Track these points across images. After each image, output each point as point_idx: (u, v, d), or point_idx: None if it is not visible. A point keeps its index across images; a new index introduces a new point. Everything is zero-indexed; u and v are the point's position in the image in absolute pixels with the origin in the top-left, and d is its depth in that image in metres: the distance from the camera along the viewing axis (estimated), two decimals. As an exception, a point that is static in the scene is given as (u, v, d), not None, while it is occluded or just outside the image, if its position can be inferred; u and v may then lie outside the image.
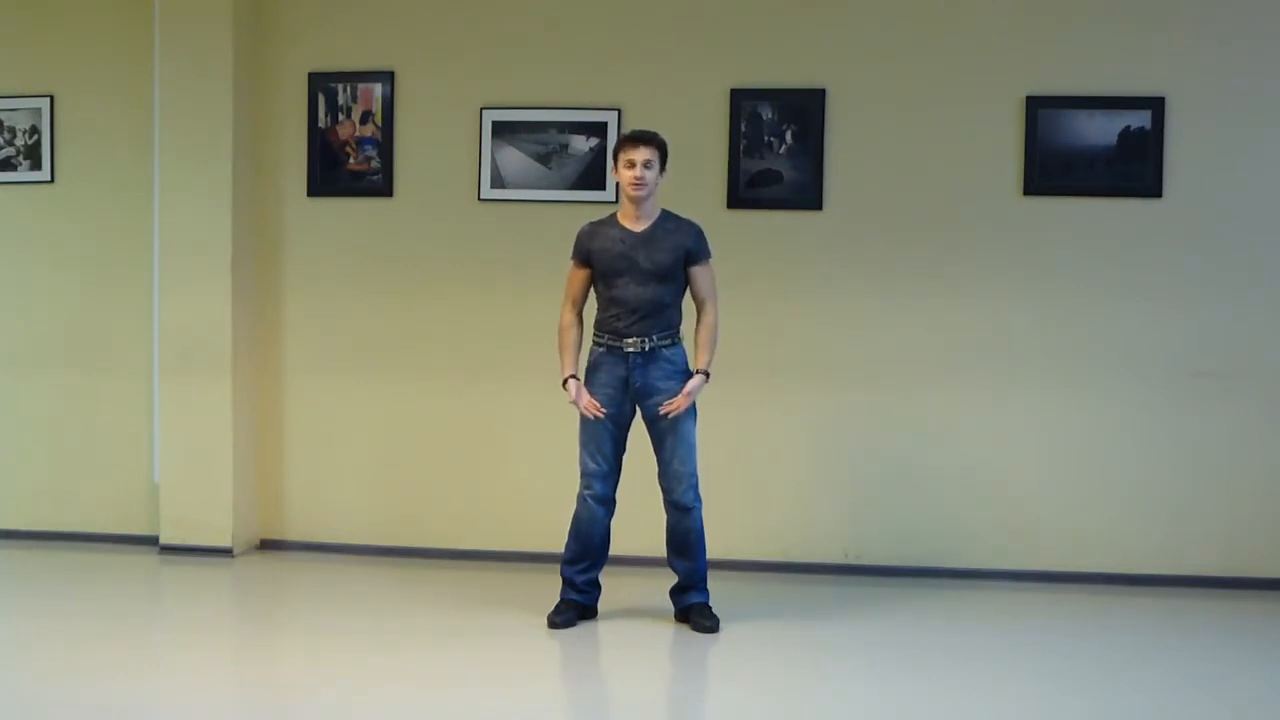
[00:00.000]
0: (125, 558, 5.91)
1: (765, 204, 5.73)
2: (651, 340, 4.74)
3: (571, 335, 4.85)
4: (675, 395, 4.72)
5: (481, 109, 5.85)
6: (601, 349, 4.80)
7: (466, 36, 5.87)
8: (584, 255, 4.82)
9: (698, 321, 4.82)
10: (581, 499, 4.83)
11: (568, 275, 4.87)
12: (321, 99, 5.94)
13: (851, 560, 5.74)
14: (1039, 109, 5.56)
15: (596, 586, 4.95)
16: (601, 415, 4.73)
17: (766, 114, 5.71)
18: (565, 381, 4.80)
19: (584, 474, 4.82)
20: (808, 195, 5.71)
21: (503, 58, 5.85)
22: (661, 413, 4.71)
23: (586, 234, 4.84)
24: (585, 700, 4.37)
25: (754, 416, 5.73)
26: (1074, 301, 5.61)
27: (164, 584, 5.70)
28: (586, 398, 4.75)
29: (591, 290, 4.88)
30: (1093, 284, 5.60)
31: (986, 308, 5.65)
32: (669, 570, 4.92)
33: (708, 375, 4.76)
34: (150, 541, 6.03)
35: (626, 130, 5.24)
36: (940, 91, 5.63)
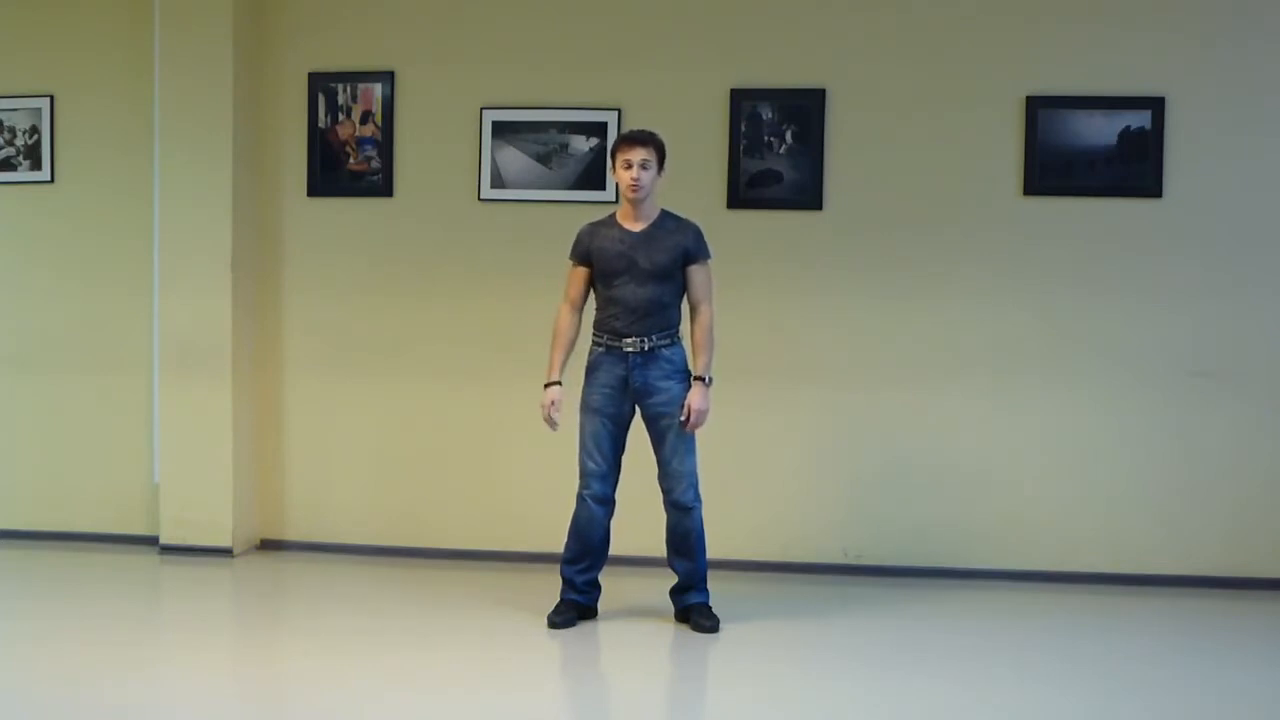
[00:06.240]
0: (125, 558, 5.91)
1: (765, 204, 5.73)
2: (651, 340, 4.74)
3: (566, 336, 4.83)
4: (675, 394, 4.72)
5: (481, 109, 5.85)
6: (600, 349, 4.80)
7: (466, 36, 5.88)
8: (583, 254, 4.82)
9: (693, 323, 4.80)
10: (581, 499, 4.83)
11: (567, 275, 4.87)
12: (321, 99, 5.94)
13: (851, 560, 5.74)
14: (1039, 109, 5.56)
15: (596, 586, 4.94)
16: (554, 428, 4.79)
17: (766, 114, 5.71)
18: (548, 385, 4.80)
19: (583, 474, 4.82)
20: (808, 195, 5.71)
21: (503, 58, 5.85)
22: (688, 431, 4.71)
23: (586, 233, 4.85)
24: (585, 700, 4.37)
25: (754, 416, 5.73)
26: (1074, 301, 5.61)
27: (164, 584, 5.70)
28: (553, 410, 4.76)
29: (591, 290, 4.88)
30: (1093, 284, 5.60)
31: (986, 308, 5.65)
32: (669, 570, 4.92)
33: (709, 380, 4.76)
34: (150, 541, 6.03)
35: (624, 130, 5.23)
36: (940, 91, 5.63)
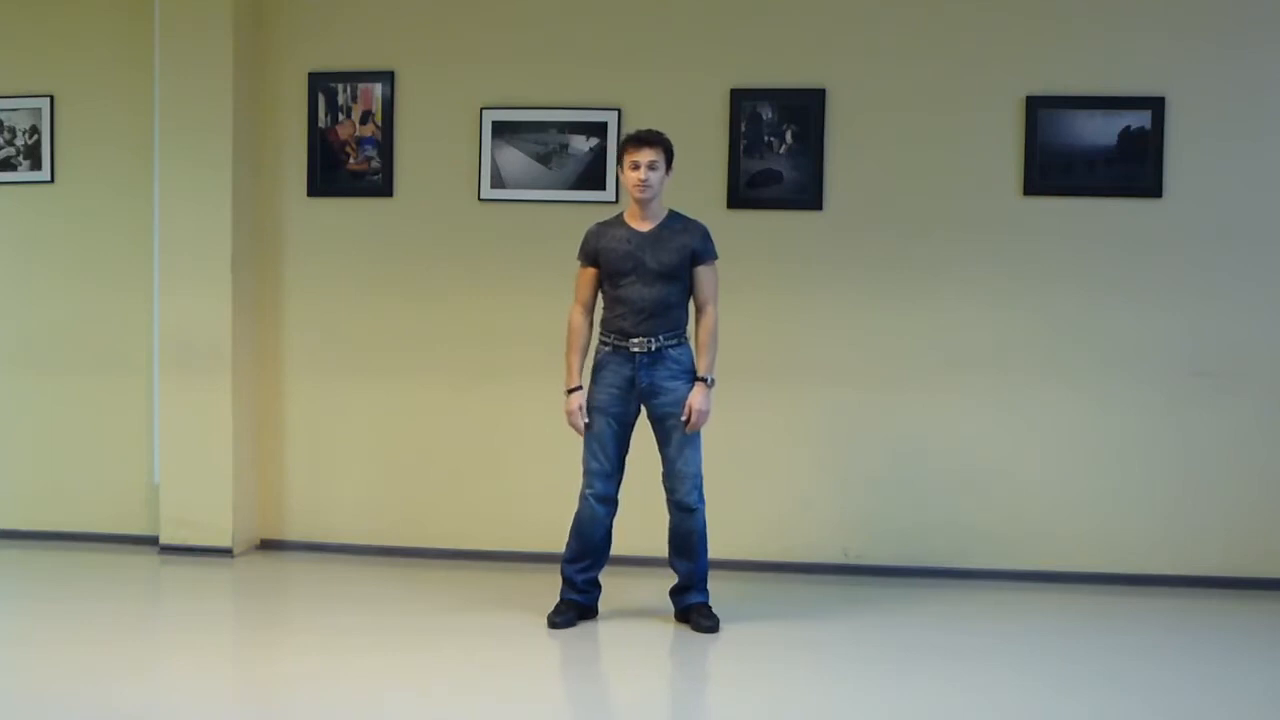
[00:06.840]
0: (125, 558, 5.91)
1: (765, 204, 5.73)
2: (658, 340, 4.73)
3: (581, 338, 4.84)
4: (681, 395, 4.72)
5: (481, 109, 5.85)
6: (607, 349, 4.80)
7: (466, 36, 5.87)
8: (591, 255, 4.82)
9: (698, 323, 4.81)
10: (583, 498, 4.82)
11: (576, 276, 4.87)
12: (321, 99, 5.94)
13: (851, 560, 5.74)
14: (1039, 109, 5.56)
15: (597, 586, 4.94)
16: (581, 433, 4.77)
17: (766, 114, 5.71)
18: (569, 392, 4.80)
19: (586, 473, 4.82)
20: (808, 195, 5.71)
21: (503, 58, 5.85)
22: (688, 431, 4.71)
23: (594, 234, 4.85)
24: (585, 700, 4.37)
25: (754, 416, 5.73)
26: (1074, 301, 5.61)
27: (164, 584, 5.70)
28: (579, 417, 4.76)
29: (598, 289, 4.89)
30: (1093, 284, 5.60)
31: (986, 308, 5.65)
32: (669, 570, 4.92)
33: (711, 380, 4.76)
34: (150, 541, 6.03)
35: (630, 130, 5.21)
36: (940, 91, 5.63)
